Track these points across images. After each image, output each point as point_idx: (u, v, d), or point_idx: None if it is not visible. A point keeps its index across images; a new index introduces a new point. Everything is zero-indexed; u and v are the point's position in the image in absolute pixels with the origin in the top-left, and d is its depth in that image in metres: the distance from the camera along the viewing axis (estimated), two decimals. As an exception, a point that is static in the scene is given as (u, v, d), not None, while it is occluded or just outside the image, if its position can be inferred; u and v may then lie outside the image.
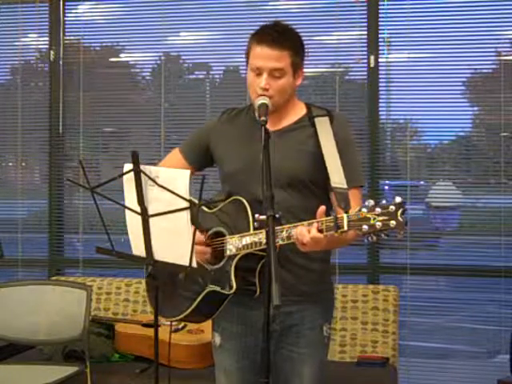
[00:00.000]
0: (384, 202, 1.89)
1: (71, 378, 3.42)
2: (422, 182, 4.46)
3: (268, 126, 2.23)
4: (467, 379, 4.17)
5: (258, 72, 2.24)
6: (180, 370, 3.56)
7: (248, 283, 2.21)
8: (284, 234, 2.06)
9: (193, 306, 2.31)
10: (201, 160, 2.46)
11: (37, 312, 3.67)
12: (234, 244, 2.20)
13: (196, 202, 2.10)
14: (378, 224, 1.86)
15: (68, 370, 3.47)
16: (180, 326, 3.72)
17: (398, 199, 1.87)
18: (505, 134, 4.21)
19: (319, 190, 2.29)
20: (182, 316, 2.37)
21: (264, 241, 2.06)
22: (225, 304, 2.28)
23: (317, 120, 2.30)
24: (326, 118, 2.30)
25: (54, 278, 4.46)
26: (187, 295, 2.33)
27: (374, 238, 1.90)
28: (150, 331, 3.66)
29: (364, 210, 1.90)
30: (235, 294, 2.20)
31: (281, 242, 2.06)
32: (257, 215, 2.05)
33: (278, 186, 2.20)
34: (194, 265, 2.11)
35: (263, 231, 2.08)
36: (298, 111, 2.37)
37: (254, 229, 2.15)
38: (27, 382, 3.43)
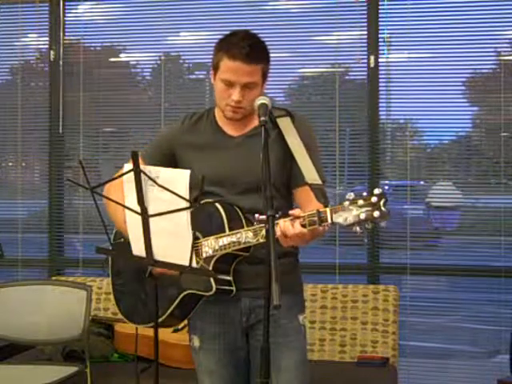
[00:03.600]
0: (365, 193, 1.92)
1: (71, 378, 3.42)
2: (421, 182, 4.46)
3: (231, 131, 2.36)
4: (467, 379, 4.17)
5: (229, 84, 2.24)
6: (180, 370, 3.57)
7: (224, 283, 2.24)
8: (263, 232, 2.07)
9: (169, 311, 2.32)
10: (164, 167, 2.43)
11: (37, 312, 3.67)
12: (209, 246, 2.23)
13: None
14: (362, 215, 1.89)
15: (68, 370, 3.47)
16: (180, 326, 3.73)
17: (378, 190, 1.90)
18: (505, 134, 4.21)
19: (285, 191, 2.35)
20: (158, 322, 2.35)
21: (243, 240, 2.14)
22: (199, 305, 2.29)
23: (279, 120, 2.32)
24: (288, 118, 2.33)
25: (53, 277, 4.46)
26: (162, 300, 2.31)
27: (358, 228, 1.92)
28: (150, 331, 3.66)
29: (346, 202, 1.93)
30: (213, 294, 2.23)
31: (261, 240, 2.10)
32: (257, 215, 2.06)
33: (248, 191, 2.27)
34: (194, 265, 2.11)
35: (241, 231, 2.16)
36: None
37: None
38: (27, 382, 3.43)
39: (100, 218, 2.22)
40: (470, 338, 4.35)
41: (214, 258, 2.22)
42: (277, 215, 1.96)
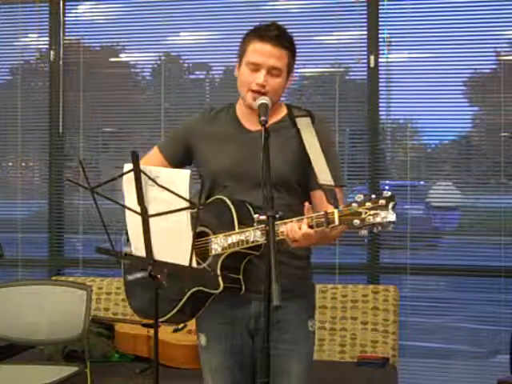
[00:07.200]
0: (374, 196, 1.91)
1: (71, 377, 3.42)
2: (422, 182, 4.46)
3: (249, 125, 2.32)
4: (467, 379, 4.17)
5: (255, 68, 2.24)
6: (180, 370, 3.57)
7: (232, 281, 2.22)
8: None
9: (178, 307, 2.30)
10: (179, 159, 2.44)
11: (37, 312, 3.67)
12: (219, 243, 2.21)
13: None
14: (369, 218, 1.88)
15: (68, 369, 3.47)
16: (180, 327, 3.73)
17: (388, 193, 1.89)
18: (505, 133, 4.21)
19: (302, 189, 2.32)
20: (167, 317, 2.34)
21: (251, 238, 2.12)
22: (209, 303, 2.28)
23: (298, 120, 2.32)
24: (308, 119, 2.32)
25: (54, 277, 4.46)
26: (171, 296, 2.31)
27: (365, 232, 1.91)
28: (150, 331, 3.66)
29: (355, 204, 1.92)
30: (221, 292, 2.21)
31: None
32: (256, 216, 2.06)
33: (258, 187, 2.21)
34: (194, 265, 2.11)
35: (249, 229, 2.13)
36: (279, 111, 2.38)
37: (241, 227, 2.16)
38: (27, 382, 3.43)
39: (100, 217, 2.22)
40: (470, 337, 4.34)
41: (223, 256, 2.20)
42: (277, 215, 1.95)
